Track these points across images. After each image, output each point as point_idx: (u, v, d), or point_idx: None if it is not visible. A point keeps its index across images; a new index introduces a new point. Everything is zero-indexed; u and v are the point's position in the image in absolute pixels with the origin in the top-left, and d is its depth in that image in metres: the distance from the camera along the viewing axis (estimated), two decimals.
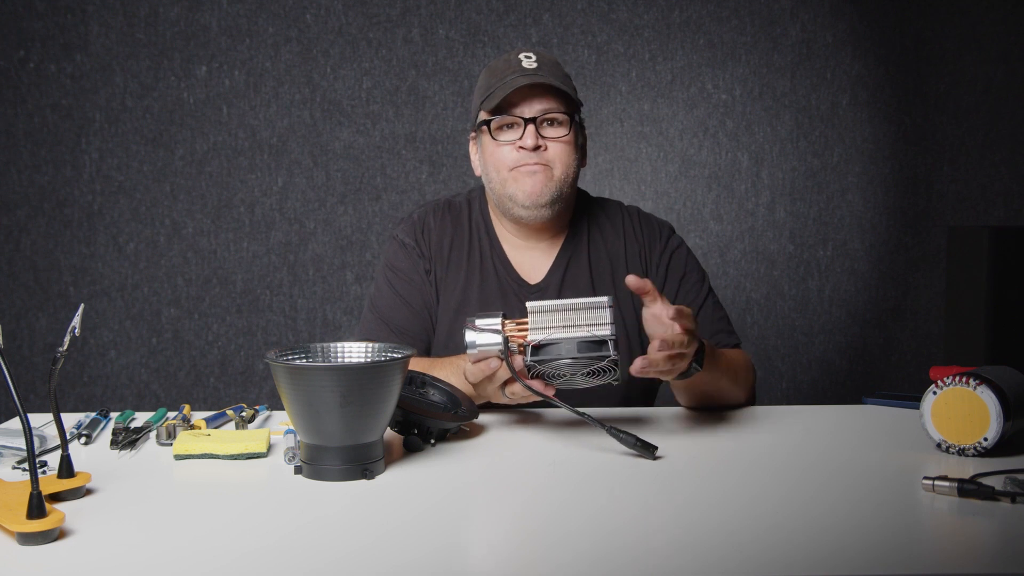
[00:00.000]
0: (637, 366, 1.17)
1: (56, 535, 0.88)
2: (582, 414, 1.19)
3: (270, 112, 2.85)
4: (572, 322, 1.17)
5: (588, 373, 1.18)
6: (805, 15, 2.97)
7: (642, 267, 1.59)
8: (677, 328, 1.21)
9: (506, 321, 1.20)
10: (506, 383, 1.23)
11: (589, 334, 1.16)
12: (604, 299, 1.19)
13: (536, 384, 1.18)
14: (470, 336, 1.19)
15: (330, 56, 2.85)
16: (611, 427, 1.17)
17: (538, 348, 1.17)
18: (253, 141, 2.84)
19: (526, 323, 1.20)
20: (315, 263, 2.88)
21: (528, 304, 1.20)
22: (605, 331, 1.16)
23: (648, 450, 1.15)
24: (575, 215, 1.61)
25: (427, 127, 2.88)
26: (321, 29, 2.85)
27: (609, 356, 1.16)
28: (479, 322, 1.19)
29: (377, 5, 2.86)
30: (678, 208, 2.98)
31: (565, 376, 1.19)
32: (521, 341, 1.19)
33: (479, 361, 1.21)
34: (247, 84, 2.83)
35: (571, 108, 1.50)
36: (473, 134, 1.59)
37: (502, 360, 1.19)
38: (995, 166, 3.04)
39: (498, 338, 1.18)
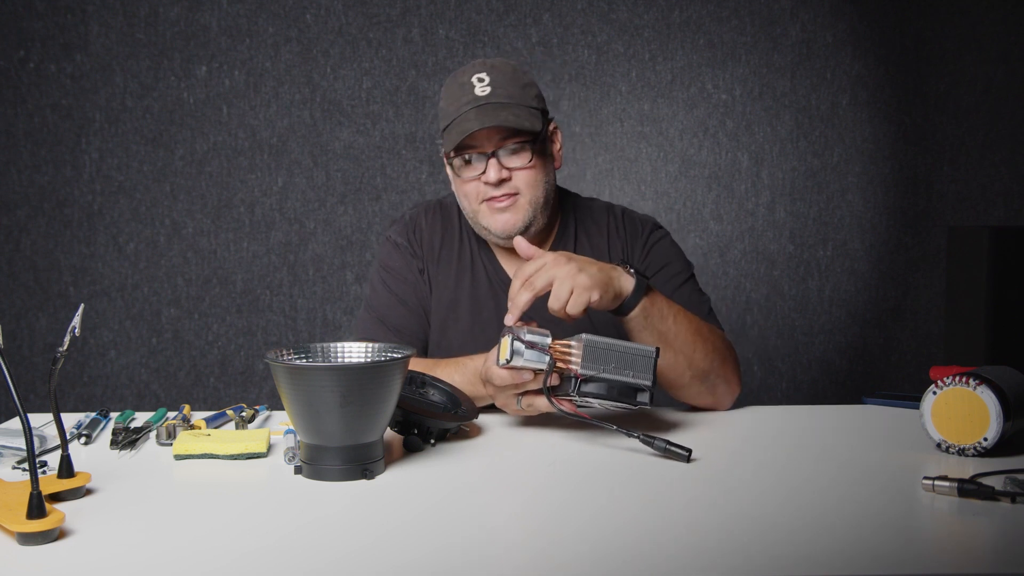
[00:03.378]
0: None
1: (56, 535, 0.88)
2: (611, 427, 1.20)
3: (270, 112, 2.84)
4: (620, 365, 1.20)
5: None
6: (805, 15, 2.97)
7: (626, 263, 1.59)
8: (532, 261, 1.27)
9: (553, 342, 1.22)
10: (523, 394, 1.25)
11: (633, 380, 1.20)
12: (652, 350, 1.21)
13: (566, 405, 1.21)
14: (518, 346, 1.19)
15: (330, 56, 2.85)
16: (643, 435, 1.18)
17: (583, 382, 1.20)
18: (253, 141, 2.84)
19: (569, 347, 1.21)
20: (315, 263, 2.88)
21: (584, 336, 1.21)
22: (646, 381, 1.20)
23: (683, 453, 1.15)
24: (563, 216, 1.60)
25: (427, 127, 2.88)
26: (321, 29, 2.85)
27: (644, 404, 1.20)
28: (529, 337, 1.20)
29: (377, 5, 2.86)
30: (678, 208, 2.98)
31: (591, 404, 1.23)
32: (563, 368, 1.21)
33: (509, 368, 1.21)
34: (247, 84, 2.83)
35: (532, 132, 1.44)
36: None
37: (535, 375, 1.21)
38: (995, 166, 3.04)
39: (545, 357, 1.20)
